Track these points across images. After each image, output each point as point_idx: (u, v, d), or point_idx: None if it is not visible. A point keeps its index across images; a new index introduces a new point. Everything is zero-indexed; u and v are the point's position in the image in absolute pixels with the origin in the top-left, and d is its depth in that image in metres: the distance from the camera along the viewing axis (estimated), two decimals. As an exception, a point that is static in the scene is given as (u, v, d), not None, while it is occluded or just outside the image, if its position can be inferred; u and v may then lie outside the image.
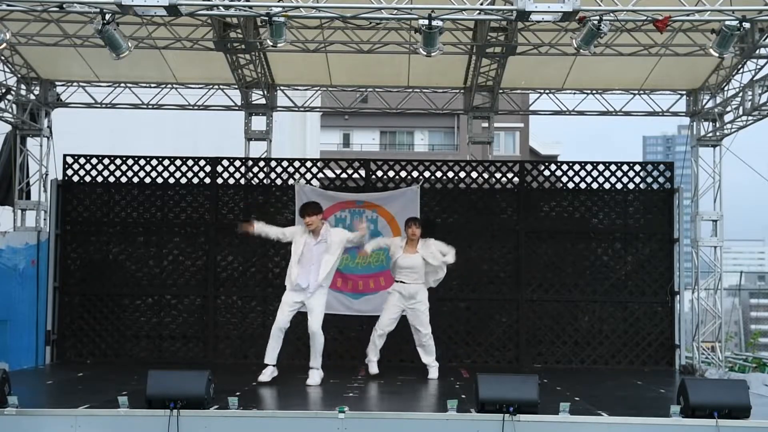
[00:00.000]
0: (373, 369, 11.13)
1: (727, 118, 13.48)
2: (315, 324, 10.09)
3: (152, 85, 14.31)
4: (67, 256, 13.38)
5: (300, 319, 13.21)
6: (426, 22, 9.14)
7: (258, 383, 9.95)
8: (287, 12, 9.23)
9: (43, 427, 7.56)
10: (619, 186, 13.45)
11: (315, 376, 10.15)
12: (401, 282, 11.03)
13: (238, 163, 13.61)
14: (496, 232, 13.37)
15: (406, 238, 11.09)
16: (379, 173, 13.50)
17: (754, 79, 12.40)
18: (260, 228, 10.44)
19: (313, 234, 10.14)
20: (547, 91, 14.39)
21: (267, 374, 10.11)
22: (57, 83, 14.15)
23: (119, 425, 7.60)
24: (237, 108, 14.57)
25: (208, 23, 11.78)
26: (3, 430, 7.47)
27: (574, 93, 14.42)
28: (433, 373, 11.13)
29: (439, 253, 10.97)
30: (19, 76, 13.55)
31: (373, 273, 12.94)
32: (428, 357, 11.17)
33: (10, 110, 13.32)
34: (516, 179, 13.57)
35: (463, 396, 8.83)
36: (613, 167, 13.50)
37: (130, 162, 13.53)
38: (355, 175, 13.68)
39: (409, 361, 12.56)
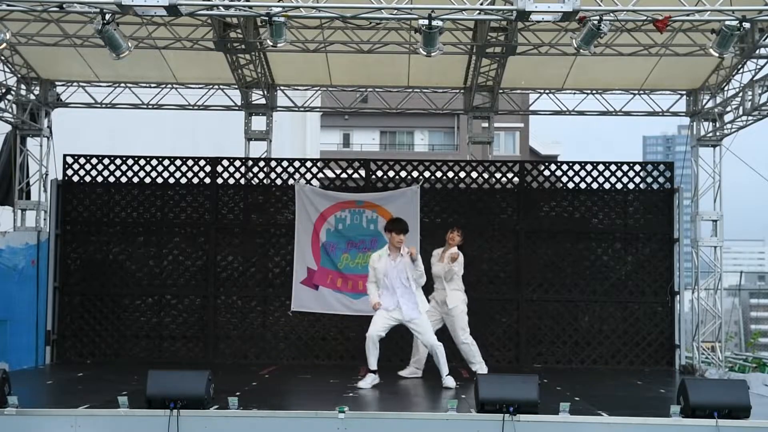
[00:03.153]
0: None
1: (727, 118, 13.48)
2: (431, 339, 10.21)
3: (152, 85, 14.31)
4: (67, 256, 13.38)
5: (300, 320, 13.30)
6: (426, 22, 9.14)
7: (357, 388, 9.83)
8: (287, 12, 9.22)
9: (43, 427, 7.56)
10: (619, 186, 13.46)
11: (449, 381, 10.10)
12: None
13: (238, 163, 13.61)
14: (496, 232, 13.38)
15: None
16: (379, 173, 13.50)
17: (754, 79, 12.40)
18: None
19: (393, 253, 10.15)
20: (547, 91, 14.39)
21: (369, 381, 10.03)
22: (57, 83, 14.14)
23: (119, 425, 7.60)
24: (237, 108, 14.56)
25: (208, 23, 11.78)
26: (3, 430, 7.47)
27: (574, 93, 14.42)
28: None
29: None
30: (19, 76, 13.55)
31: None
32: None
33: (10, 110, 13.32)
34: (516, 179, 13.57)
35: (463, 396, 8.84)
36: (613, 167, 13.51)
37: (130, 162, 13.54)
38: (355, 175, 13.68)
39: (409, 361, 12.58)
